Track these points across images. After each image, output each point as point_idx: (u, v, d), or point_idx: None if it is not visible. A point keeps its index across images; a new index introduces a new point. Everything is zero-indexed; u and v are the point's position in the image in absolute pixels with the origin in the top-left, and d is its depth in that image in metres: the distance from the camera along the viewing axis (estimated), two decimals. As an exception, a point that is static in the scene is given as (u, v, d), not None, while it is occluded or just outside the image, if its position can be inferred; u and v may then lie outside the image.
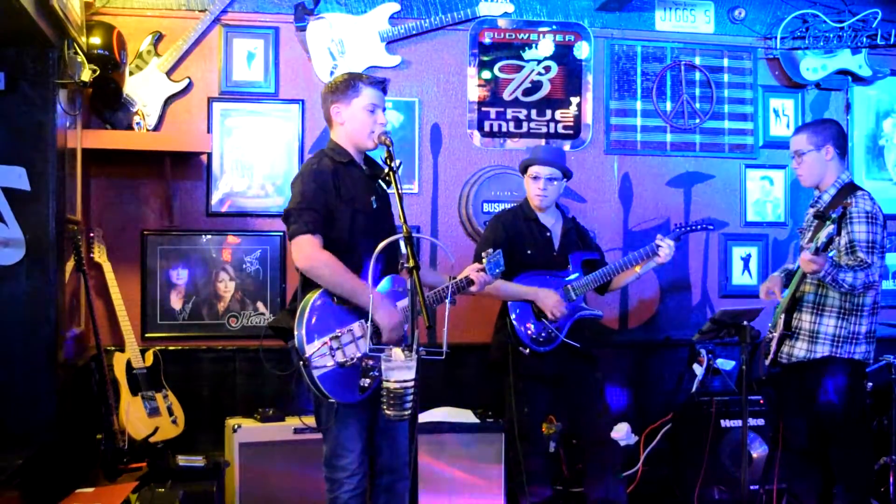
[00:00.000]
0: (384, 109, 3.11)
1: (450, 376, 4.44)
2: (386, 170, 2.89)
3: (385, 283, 3.04)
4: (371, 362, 2.84)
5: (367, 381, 2.86)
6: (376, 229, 2.99)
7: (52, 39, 3.31)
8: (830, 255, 3.26)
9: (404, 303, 2.96)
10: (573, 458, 4.29)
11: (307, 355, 2.79)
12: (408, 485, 3.07)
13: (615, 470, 3.89)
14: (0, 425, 3.31)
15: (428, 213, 4.62)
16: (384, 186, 3.11)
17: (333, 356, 2.83)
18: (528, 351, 3.75)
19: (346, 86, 3.06)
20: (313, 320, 2.85)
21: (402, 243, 2.77)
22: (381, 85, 3.10)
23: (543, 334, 3.76)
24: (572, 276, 3.86)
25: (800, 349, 3.52)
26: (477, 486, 4.07)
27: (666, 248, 3.76)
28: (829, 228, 3.14)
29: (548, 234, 3.90)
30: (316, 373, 2.81)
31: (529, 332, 3.76)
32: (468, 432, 4.12)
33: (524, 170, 3.94)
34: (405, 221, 2.72)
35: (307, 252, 2.89)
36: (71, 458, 3.59)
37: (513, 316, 3.78)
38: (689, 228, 3.94)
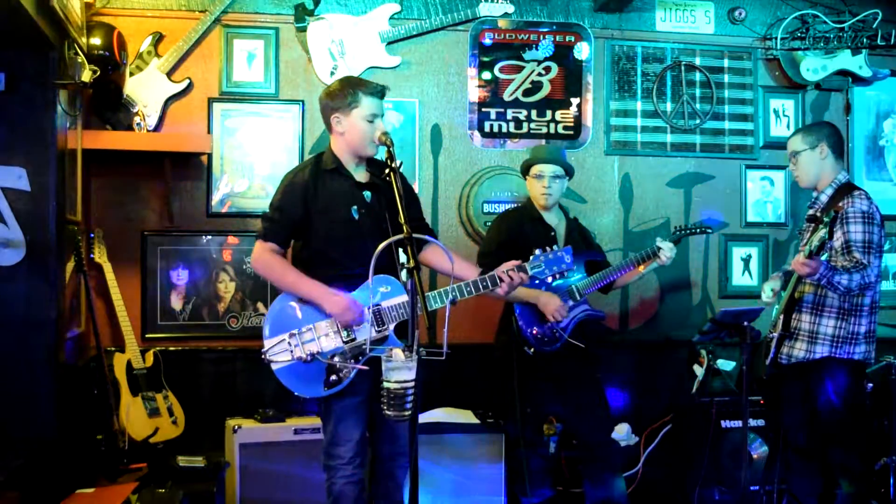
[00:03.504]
0: (383, 115, 3.14)
1: (450, 376, 4.44)
2: (386, 170, 2.89)
3: (364, 288, 3.06)
4: (338, 358, 3.00)
5: (335, 376, 3.01)
6: (359, 237, 3.03)
7: (53, 40, 3.31)
8: (824, 258, 3.25)
9: (393, 301, 3.04)
10: (573, 459, 4.29)
11: (264, 350, 3.02)
12: (406, 472, 3.20)
13: (615, 470, 3.89)
14: (0, 426, 3.31)
15: (428, 213, 4.61)
16: (388, 189, 2.95)
17: (292, 352, 3.01)
18: (532, 351, 3.75)
19: (345, 95, 3.08)
20: (276, 317, 3.07)
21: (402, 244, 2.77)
22: (381, 93, 3.11)
23: (548, 334, 3.76)
24: (576, 277, 3.86)
25: (799, 350, 3.52)
26: (477, 487, 4.06)
27: (666, 250, 3.78)
28: (822, 231, 3.14)
29: (552, 233, 3.90)
30: (274, 367, 3.03)
31: (534, 331, 3.76)
32: (468, 432, 4.11)
33: (526, 170, 3.95)
34: (405, 222, 2.71)
35: (255, 255, 3.13)
36: (71, 459, 3.59)
37: (517, 316, 3.78)
38: (687, 231, 3.95)
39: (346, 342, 3.03)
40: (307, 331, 3.04)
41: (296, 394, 3.05)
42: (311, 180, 3.10)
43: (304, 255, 3.15)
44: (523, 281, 3.09)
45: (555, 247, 3.10)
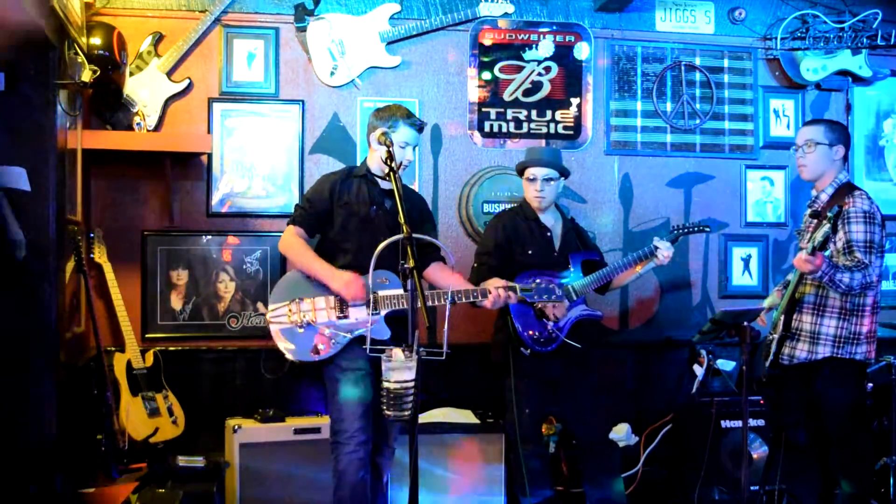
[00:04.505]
0: (416, 146, 3.51)
1: (450, 376, 4.44)
2: (386, 170, 2.96)
3: (366, 277, 3.35)
4: (329, 331, 3.34)
5: (323, 346, 3.34)
6: (372, 233, 3.37)
7: (53, 40, 3.31)
8: (826, 254, 3.26)
9: (389, 291, 3.32)
10: (573, 459, 4.29)
11: (267, 312, 3.44)
12: (389, 461, 3.57)
13: (613, 471, 3.88)
14: (0, 425, 3.31)
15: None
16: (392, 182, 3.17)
17: (290, 318, 3.37)
18: (528, 351, 3.75)
19: (388, 118, 3.42)
20: (283, 287, 3.48)
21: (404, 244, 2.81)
22: (418, 126, 3.47)
23: (544, 334, 3.76)
24: (573, 277, 3.85)
25: (801, 350, 3.52)
26: (477, 487, 4.06)
27: (663, 249, 3.76)
28: (825, 227, 3.13)
29: (548, 234, 3.90)
30: (272, 328, 3.40)
31: (530, 332, 3.76)
32: (468, 433, 4.12)
33: (521, 172, 3.95)
34: (405, 222, 2.74)
35: (283, 237, 3.52)
36: (71, 459, 3.59)
37: (513, 316, 3.78)
38: (685, 230, 3.93)
39: (338, 318, 3.36)
40: (307, 302, 3.40)
41: (287, 357, 3.37)
42: (339, 180, 3.50)
43: (323, 245, 3.51)
44: (510, 300, 3.39)
45: (554, 282, 3.42)
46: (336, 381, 3.35)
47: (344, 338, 3.34)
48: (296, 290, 3.43)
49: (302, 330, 3.35)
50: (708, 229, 3.99)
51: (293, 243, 3.45)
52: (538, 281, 3.38)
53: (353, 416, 3.29)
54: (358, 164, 3.76)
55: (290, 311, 3.38)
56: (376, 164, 3.47)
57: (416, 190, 4.60)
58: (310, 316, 3.36)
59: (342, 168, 3.65)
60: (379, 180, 3.47)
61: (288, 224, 3.51)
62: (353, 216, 3.43)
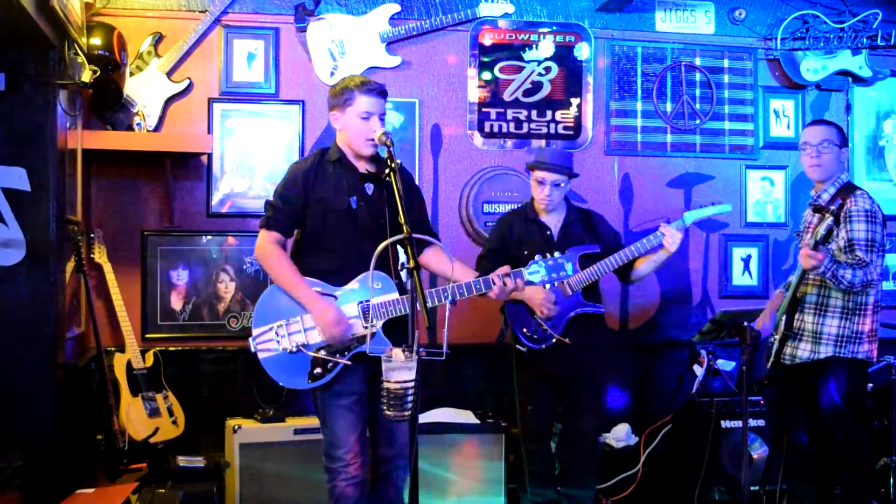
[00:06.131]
0: (383, 115, 3.12)
1: (450, 376, 4.44)
2: (386, 170, 2.89)
3: (354, 283, 3.09)
4: (323, 352, 3.00)
5: (320, 369, 3.01)
6: (355, 227, 3.08)
7: (53, 40, 3.31)
8: (828, 246, 3.25)
9: (382, 298, 3.03)
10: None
11: (252, 338, 3.05)
12: (405, 475, 3.16)
13: (589, 473, 3.83)
14: (0, 426, 3.31)
15: (428, 213, 4.60)
16: (392, 183, 2.90)
17: (279, 342, 3.03)
18: (525, 349, 3.74)
19: (342, 93, 3.10)
20: (266, 306, 3.09)
21: (402, 243, 2.77)
22: (377, 91, 3.09)
23: (538, 332, 3.73)
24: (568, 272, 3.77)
25: (803, 350, 3.52)
26: (477, 487, 4.06)
27: (669, 236, 3.64)
28: (828, 220, 3.12)
29: (548, 232, 3.86)
30: (260, 355, 3.05)
31: (523, 329, 3.75)
32: (468, 432, 4.11)
33: (530, 168, 3.89)
34: (405, 222, 2.71)
35: (258, 243, 3.12)
36: (71, 459, 3.59)
37: (506, 316, 3.77)
38: (701, 212, 3.83)
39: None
40: (295, 322, 3.05)
41: (280, 384, 3.07)
42: (312, 169, 3.13)
43: (301, 243, 3.17)
44: (518, 287, 3.10)
45: (557, 253, 3.06)
46: (329, 406, 3.07)
47: (343, 357, 3.02)
48: (281, 308, 3.06)
49: (294, 356, 3.02)
50: (729, 208, 3.86)
51: (270, 254, 3.07)
52: (546, 257, 3.03)
53: (349, 442, 3.04)
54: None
55: (276, 334, 3.04)
56: (346, 146, 3.14)
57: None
58: (300, 338, 3.03)
59: (313, 153, 3.26)
60: (354, 163, 3.14)
61: (261, 227, 3.11)
62: (331, 211, 3.08)
